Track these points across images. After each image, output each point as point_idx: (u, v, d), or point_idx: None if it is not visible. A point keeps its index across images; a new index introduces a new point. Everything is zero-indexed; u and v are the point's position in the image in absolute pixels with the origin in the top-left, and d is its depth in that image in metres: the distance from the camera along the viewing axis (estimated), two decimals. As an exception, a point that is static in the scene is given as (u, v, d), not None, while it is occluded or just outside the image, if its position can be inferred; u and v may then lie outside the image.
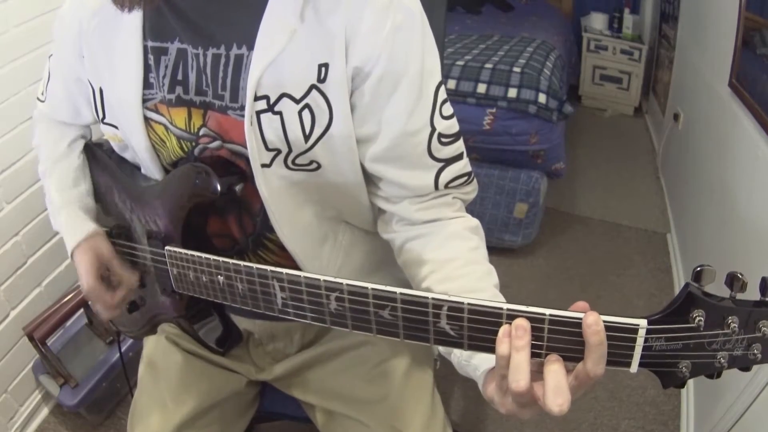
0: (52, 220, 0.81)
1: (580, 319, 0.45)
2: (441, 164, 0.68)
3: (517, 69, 1.98)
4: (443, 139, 0.67)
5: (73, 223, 0.77)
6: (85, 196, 0.81)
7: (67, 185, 0.81)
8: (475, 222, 0.71)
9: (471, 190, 0.73)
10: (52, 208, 0.80)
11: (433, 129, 0.66)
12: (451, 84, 1.99)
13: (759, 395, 1.06)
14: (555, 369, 0.46)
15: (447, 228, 0.69)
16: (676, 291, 2.04)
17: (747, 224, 1.35)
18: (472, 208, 0.73)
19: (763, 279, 0.42)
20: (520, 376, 0.46)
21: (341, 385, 0.82)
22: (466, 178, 0.71)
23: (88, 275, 0.73)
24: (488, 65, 2.02)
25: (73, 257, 0.75)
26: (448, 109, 0.68)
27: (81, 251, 0.74)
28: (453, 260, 0.65)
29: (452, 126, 0.68)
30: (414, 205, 0.69)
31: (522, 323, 0.46)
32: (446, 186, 0.69)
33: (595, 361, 0.45)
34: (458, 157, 0.69)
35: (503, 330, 0.47)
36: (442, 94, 0.67)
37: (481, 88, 1.96)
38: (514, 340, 0.46)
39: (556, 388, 0.45)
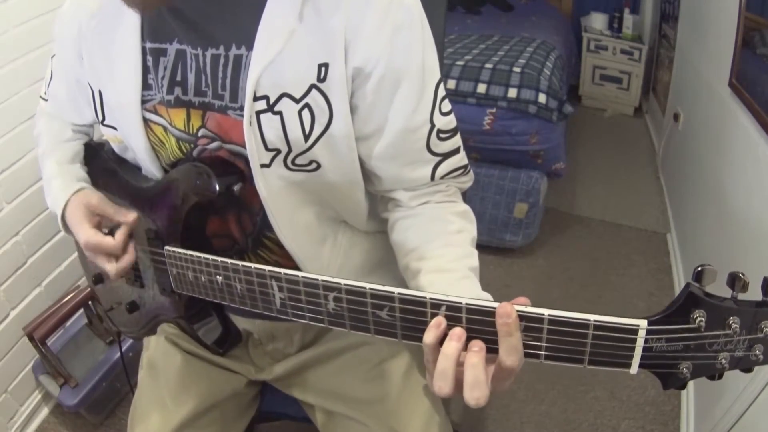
0: (46, 194, 0.79)
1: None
2: (439, 158, 0.70)
3: (517, 69, 1.98)
4: (442, 135, 0.69)
5: (63, 187, 0.76)
6: (80, 170, 0.81)
7: (65, 161, 0.80)
8: (463, 207, 0.73)
9: (467, 180, 0.76)
10: (48, 178, 0.79)
11: (433, 125, 0.67)
12: (451, 84, 1.99)
13: (759, 395, 1.06)
14: (474, 363, 0.47)
15: (433, 211, 0.71)
16: (676, 291, 2.05)
17: (747, 224, 1.35)
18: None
19: (765, 279, 0.41)
20: (443, 383, 0.48)
21: (341, 385, 0.82)
22: (462, 170, 0.73)
23: (82, 227, 0.70)
24: (488, 65, 2.02)
25: (65, 220, 0.74)
26: (446, 105, 0.69)
27: (70, 210, 0.73)
28: (432, 241, 0.67)
29: (450, 122, 0.70)
30: (408, 193, 0.72)
31: (458, 332, 0.48)
32: (442, 178, 0.71)
33: (506, 351, 0.46)
34: (455, 151, 0.71)
35: (435, 321, 0.49)
36: (442, 91, 0.68)
37: (481, 88, 1.96)
38: (445, 344, 0.48)
39: (474, 383, 0.47)
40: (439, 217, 0.70)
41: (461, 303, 0.48)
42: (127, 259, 0.71)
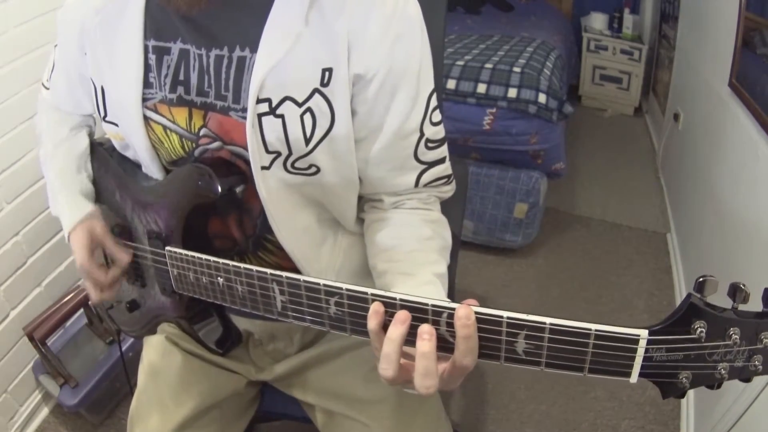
0: (51, 204, 0.82)
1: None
2: (424, 167, 0.71)
3: (517, 69, 1.98)
4: (430, 144, 0.70)
5: (72, 204, 0.78)
6: (85, 181, 0.82)
7: (69, 171, 0.81)
8: (436, 215, 0.74)
9: (448, 189, 0.77)
10: (52, 191, 0.81)
11: (422, 134, 0.69)
12: (451, 84, 1.99)
13: (759, 395, 1.06)
14: (424, 352, 0.47)
15: (405, 217, 0.72)
16: (676, 291, 2.05)
17: (747, 224, 1.35)
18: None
19: (766, 290, 0.41)
20: (387, 366, 0.49)
21: (341, 385, 0.82)
22: (445, 179, 0.74)
23: (81, 252, 0.74)
24: (488, 65, 2.02)
25: (70, 238, 0.76)
26: (437, 115, 0.70)
27: (77, 231, 0.75)
28: (400, 245, 0.69)
29: (439, 132, 0.71)
30: (390, 198, 0.73)
31: (402, 316, 0.49)
32: (425, 185, 0.72)
33: (462, 353, 0.47)
34: (441, 161, 0.72)
35: (373, 308, 0.49)
36: (434, 102, 0.69)
37: (481, 88, 1.96)
38: (390, 329, 0.48)
39: (425, 372, 0.47)
40: (409, 222, 0.71)
41: (454, 309, 0.47)
42: (111, 294, 0.77)
